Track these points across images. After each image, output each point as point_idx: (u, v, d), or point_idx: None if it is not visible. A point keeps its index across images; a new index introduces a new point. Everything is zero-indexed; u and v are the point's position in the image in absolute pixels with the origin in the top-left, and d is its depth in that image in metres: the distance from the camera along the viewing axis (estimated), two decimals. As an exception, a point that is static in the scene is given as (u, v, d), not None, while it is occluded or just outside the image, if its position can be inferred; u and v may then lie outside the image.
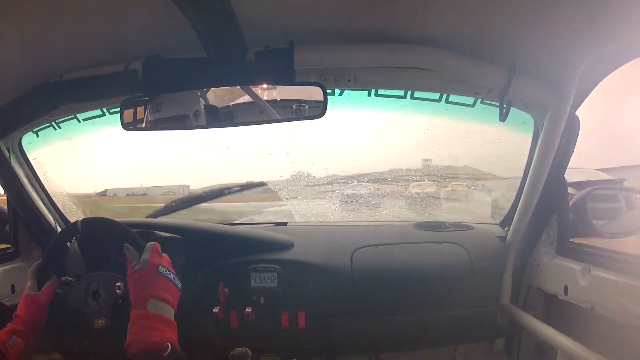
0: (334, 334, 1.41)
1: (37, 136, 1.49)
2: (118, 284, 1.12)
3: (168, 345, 0.87)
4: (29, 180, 1.53)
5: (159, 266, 1.00)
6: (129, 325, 0.91)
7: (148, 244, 1.06)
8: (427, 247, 1.50)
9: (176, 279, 1.02)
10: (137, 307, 0.94)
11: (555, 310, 1.40)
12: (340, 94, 1.40)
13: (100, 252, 1.45)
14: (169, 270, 1.01)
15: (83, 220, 1.18)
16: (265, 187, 2.12)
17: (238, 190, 1.73)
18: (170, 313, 0.96)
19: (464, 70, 1.15)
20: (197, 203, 1.73)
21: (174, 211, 1.74)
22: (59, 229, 1.60)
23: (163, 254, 1.07)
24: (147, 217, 1.70)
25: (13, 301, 1.37)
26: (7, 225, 1.55)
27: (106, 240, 1.46)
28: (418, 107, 1.39)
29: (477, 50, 1.11)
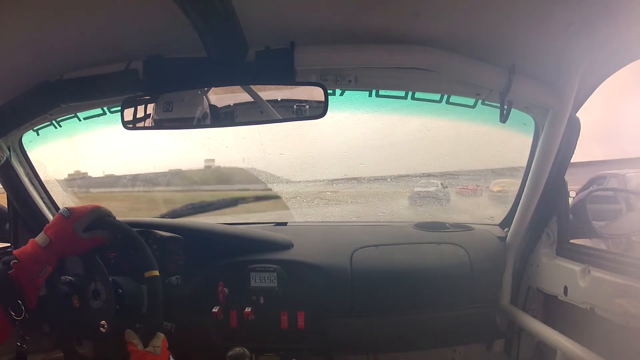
0: (333, 334, 1.41)
1: (38, 134, 1.49)
2: (102, 322, 1.10)
3: None
4: (29, 179, 1.53)
5: (170, 356, 1.06)
6: None
7: (159, 333, 1.09)
8: (426, 248, 1.50)
9: None
10: None
11: (555, 311, 1.40)
12: (341, 94, 1.40)
13: (100, 249, 1.45)
14: None
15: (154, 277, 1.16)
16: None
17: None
18: None
19: (465, 71, 1.15)
20: (210, 210, 1.72)
21: (186, 215, 1.73)
22: None
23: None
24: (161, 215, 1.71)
25: None
26: (7, 224, 1.55)
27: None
28: (419, 108, 1.39)
29: (478, 51, 1.11)
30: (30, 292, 1.04)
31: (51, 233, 1.09)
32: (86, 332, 1.18)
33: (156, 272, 1.14)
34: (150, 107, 1.20)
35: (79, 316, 1.13)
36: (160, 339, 1.07)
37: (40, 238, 1.09)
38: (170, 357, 1.06)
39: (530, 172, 1.33)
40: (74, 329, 1.20)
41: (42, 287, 1.07)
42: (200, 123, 1.20)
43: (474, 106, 1.35)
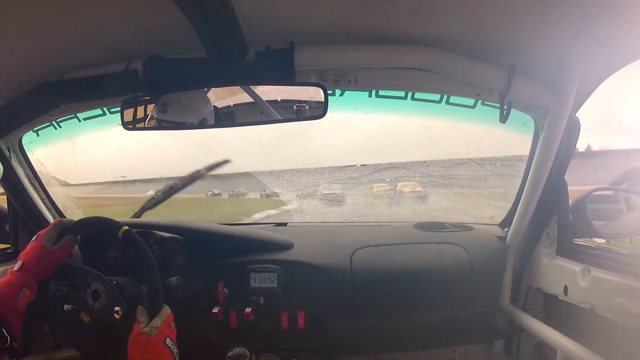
0: (333, 334, 1.41)
1: (38, 135, 1.49)
2: (116, 308, 1.11)
3: None
4: (29, 180, 1.53)
5: (167, 337, 1.02)
6: None
7: (164, 309, 1.07)
8: (426, 248, 1.50)
9: (177, 353, 1.03)
10: None
11: (555, 311, 1.40)
12: (341, 95, 1.40)
13: (100, 251, 1.46)
14: (174, 344, 1.03)
15: (126, 232, 1.14)
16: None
17: (207, 170, 1.71)
18: None
19: (465, 71, 1.15)
20: (175, 192, 1.70)
21: (157, 203, 1.71)
22: None
23: (172, 325, 1.08)
24: (133, 215, 1.70)
25: None
26: (7, 225, 1.55)
27: (105, 240, 1.46)
28: (418, 108, 1.39)
29: (478, 51, 1.11)
30: (12, 318, 1.04)
31: (23, 257, 1.12)
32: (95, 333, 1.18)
33: (125, 227, 1.14)
34: (150, 108, 1.21)
35: (94, 325, 1.13)
36: (160, 320, 1.04)
37: (15, 265, 1.11)
38: (168, 339, 1.02)
39: (530, 172, 1.33)
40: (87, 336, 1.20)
41: (23, 312, 1.06)
42: (200, 123, 1.20)
43: (473, 106, 1.35)
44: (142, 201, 1.72)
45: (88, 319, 1.13)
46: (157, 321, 1.03)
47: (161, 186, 1.73)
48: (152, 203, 1.68)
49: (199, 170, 1.67)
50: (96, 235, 1.41)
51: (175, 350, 1.02)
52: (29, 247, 1.14)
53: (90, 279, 1.15)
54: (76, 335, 1.17)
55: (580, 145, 1.28)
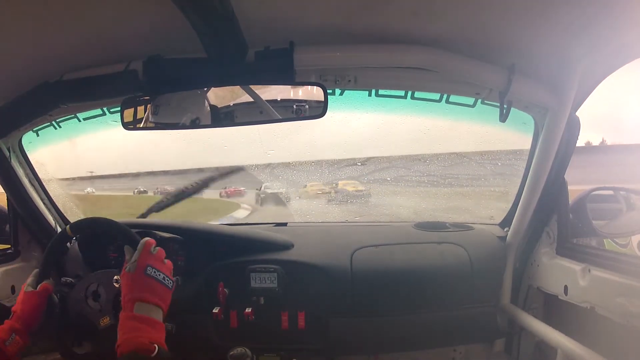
0: (334, 334, 1.41)
1: (38, 135, 1.49)
2: (115, 277, 1.12)
3: (155, 347, 0.88)
4: (29, 180, 1.53)
5: (147, 267, 0.99)
6: (118, 327, 0.92)
7: (140, 242, 1.04)
8: (427, 248, 1.50)
9: (166, 278, 1.00)
10: (125, 309, 0.95)
11: (555, 310, 1.40)
12: (341, 94, 1.40)
13: (100, 252, 1.46)
14: (158, 271, 0.99)
15: (71, 225, 1.16)
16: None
17: (221, 177, 1.73)
18: (157, 314, 0.96)
19: (464, 70, 1.15)
20: (186, 197, 1.72)
21: (165, 207, 1.73)
22: (59, 229, 1.61)
23: (157, 250, 1.04)
24: (139, 216, 1.71)
25: (13, 302, 1.37)
26: (7, 225, 1.55)
27: (105, 240, 1.46)
28: (418, 108, 1.38)
29: (478, 50, 1.11)
30: None
31: (14, 307, 1.11)
32: (87, 333, 1.17)
33: (67, 226, 1.16)
34: (150, 108, 1.20)
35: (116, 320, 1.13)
36: (138, 253, 1.00)
37: None
38: (149, 268, 0.98)
39: (530, 171, 1.33)
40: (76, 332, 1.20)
41: (13, 358, 1.03)
42: (200, 123, 1.20)
43: (473, 105, 1.35)
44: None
45: (108, 320, 1.12)
46: (135, 255, 1.01)
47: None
48: (161, 206, 1.68)
49: (213, 176, 1.68)
50: (91, 238, 1.41)
51: (161, 276, 0.99)
52: (18, 298, 1.14)
53: (85, 289, 1.15)
54: (85, 335, 1.17)
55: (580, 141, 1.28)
